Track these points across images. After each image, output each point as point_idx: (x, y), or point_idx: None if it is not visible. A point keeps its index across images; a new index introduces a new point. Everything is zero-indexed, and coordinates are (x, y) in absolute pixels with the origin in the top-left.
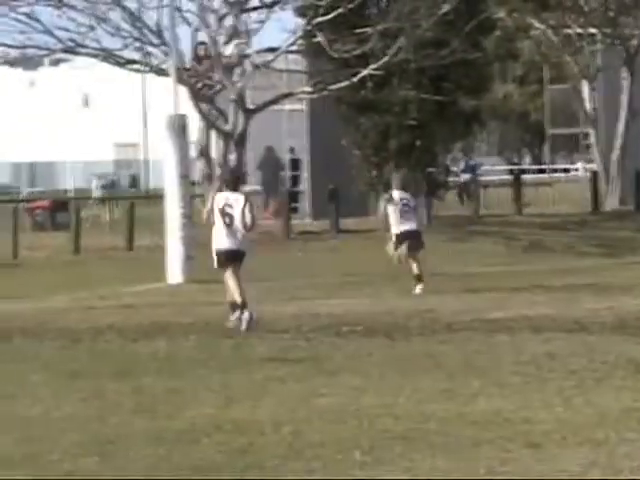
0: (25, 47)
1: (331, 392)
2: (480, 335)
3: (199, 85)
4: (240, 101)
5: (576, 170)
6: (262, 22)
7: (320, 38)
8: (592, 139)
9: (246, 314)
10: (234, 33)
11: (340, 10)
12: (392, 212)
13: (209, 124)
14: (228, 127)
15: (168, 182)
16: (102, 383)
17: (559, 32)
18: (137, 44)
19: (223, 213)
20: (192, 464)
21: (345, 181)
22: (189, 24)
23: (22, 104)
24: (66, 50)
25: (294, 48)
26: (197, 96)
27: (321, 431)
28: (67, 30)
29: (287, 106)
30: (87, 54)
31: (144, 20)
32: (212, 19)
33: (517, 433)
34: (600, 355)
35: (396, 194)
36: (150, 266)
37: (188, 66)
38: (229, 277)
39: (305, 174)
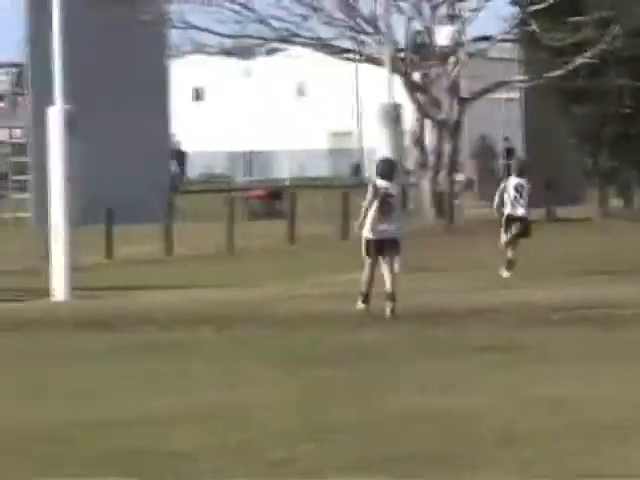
0: (239, 37)
1: (543, 380)
2: None
3: (414, 74)
4: (454, 90)
5: None
6: (476, 10)
7: (534, 26)
8: None
9: (390, 304)
10: (448, 22)
11: None
12: (506, 198)
13: (423, 113)
14: (442, 116)
15: None
16: (318, 371)
17: None
18: (351, 33)
19: (383, 202)
20: (404, 452)
21: (558, 170)
22: (403, 13)
23: (238, 94)
24: (280, 39)
25: (508, 37)
26: (411, 85)
27: (534, 419)
28: (281, 20)
29: (503, 94)
30: (301, 43)
31: (359, 9)
32: (426, 8)
33: None
34: None
35: (512, 180)
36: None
37: (402, 55)
38: (380, 267)
39: None
